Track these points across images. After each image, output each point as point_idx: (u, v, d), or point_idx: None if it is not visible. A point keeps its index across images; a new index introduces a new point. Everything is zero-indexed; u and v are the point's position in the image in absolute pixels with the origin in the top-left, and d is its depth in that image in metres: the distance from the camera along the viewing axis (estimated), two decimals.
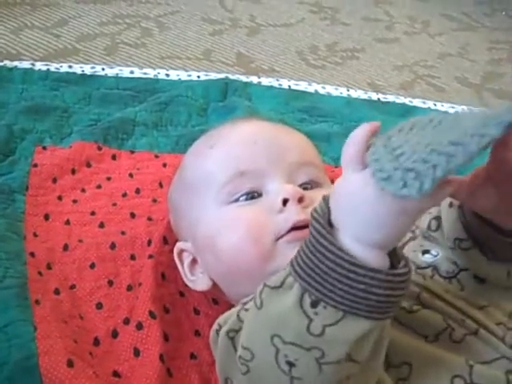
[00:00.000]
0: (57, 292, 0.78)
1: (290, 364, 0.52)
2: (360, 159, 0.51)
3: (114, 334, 0.75)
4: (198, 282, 0.76)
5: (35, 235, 0.87)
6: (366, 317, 0.50)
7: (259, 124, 0.82)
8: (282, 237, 0.69)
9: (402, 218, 0.49)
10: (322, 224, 0.52)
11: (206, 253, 0.74)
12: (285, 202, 0.70)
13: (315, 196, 0.71)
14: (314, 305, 0.51)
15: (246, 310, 0.59)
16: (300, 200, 0.70)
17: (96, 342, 0.74)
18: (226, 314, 0.64)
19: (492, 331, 0.60)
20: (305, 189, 0.73)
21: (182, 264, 0.78)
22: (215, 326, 0.64)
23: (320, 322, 0.50)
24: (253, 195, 0.73)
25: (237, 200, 0.73)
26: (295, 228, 0.68)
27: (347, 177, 0.52)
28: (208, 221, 0.74)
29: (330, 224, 0.52)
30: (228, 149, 0.76)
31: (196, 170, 0.79)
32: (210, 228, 0.73)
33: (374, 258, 0.50)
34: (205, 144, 0.80)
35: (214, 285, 0.76)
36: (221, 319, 0.64)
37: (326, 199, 0.54)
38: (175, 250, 0.79)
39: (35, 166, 0.98)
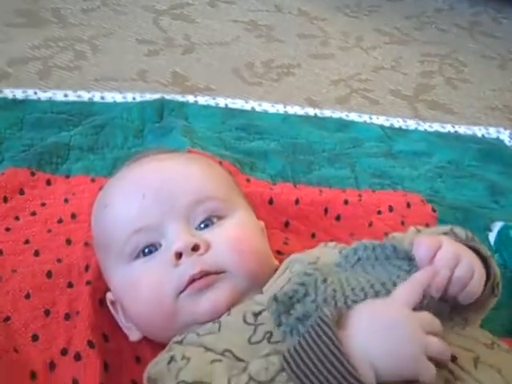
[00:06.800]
0: None
1: None
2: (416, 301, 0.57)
3: (52, 367, 0.72)
4: (132, 330, 0.76)
5: None
6: None
7: (149, 169, 0.79)
8: (182, 292, 0.69)
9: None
10: (334, 331, 0.53)
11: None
12: (179, 254, 0.70)
13: (215, 234, 0.72)
14: None
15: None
16: (194, 249, 0.70)
17: (33, 375, 0.71)
18: (157, 365, 0.65)
19: None
20: (206, 226, 0.73)
21: (117, 312, 0.77)
22: (146, 376, 0.66)
23: None
24: (151, 249, 0.73)
25: (137, 256, 0.73)
26: (193, 279, 0.69)
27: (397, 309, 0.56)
28: (115, 283, 0.75)
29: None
30: (119, 207, 0.76)
31: (99, 232, 0.79)
32: (118, 290, 0.75)
33: (370, 380, 0.52)
34: (101, 202, 0.80)
35: None
36: (152, 370, 0.65)
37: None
38: (108, 300, 0.78)
39: None
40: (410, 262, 0.65)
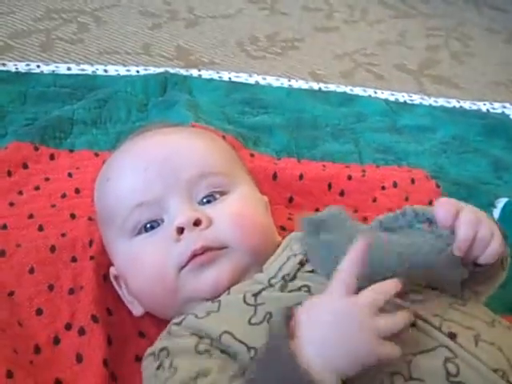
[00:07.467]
0: None
1: None
2: (352, 286, 0.55)
3: (56, 341, 0.73)
4: (135, 305, 0.76)
5: None
6: None
7: (152, 142, 0.78)
8: (183, 267, 0.69)
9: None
10: (285, 345, 0.53)
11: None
12: (181, 229, 0.69)
13: (217, 209, 0.72)
14: None
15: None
16: (196, 223, 0.70)
17: (37, 349, 0.72)
18: (146, 369, 0.66)
19: (429, 321, 0.60)
20: (208, 202, 0.73)
21: (120, 287, 0.77)
22: (144, 364, 0.67)
23: None
24: (153, 225, 0.72)
25: (139, 232, 0.73)
26: (195, 255, 0.69)
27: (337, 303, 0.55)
28: (118, 258, 0.75)
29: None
30: (122, 181, 0.75)
31: (101, 206, 0.79)
32: (120, 265, 0.75)
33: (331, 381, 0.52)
34: (103, 176, 0.79)
35: None
36: (143, 373, 0.66)
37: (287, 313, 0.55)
38: (111, 275, 0.78)
39: None
40: (431, 225, 0.66)
